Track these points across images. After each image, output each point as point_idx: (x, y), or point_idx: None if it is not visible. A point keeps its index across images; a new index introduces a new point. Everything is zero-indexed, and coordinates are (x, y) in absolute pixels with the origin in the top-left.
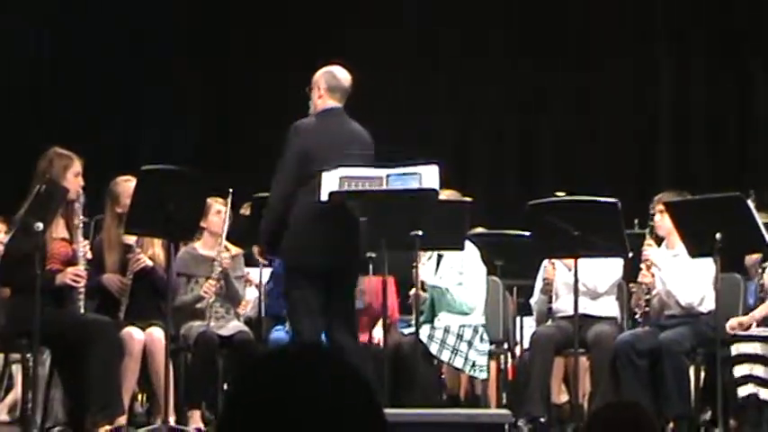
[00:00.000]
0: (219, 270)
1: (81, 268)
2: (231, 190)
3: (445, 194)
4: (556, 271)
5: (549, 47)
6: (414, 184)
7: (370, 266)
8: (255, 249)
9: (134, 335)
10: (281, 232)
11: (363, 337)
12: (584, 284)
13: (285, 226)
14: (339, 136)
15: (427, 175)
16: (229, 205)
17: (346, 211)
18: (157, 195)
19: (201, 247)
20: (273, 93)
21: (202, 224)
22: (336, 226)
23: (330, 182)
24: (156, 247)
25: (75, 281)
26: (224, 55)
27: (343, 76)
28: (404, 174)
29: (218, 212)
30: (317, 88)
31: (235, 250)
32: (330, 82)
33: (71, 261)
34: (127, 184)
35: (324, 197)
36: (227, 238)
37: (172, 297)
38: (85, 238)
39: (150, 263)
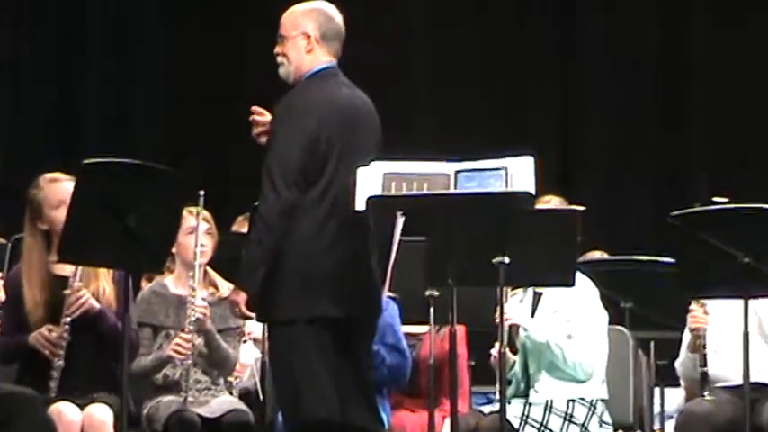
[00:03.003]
0: (195, 318)
1: None
2: (202, 192)
3: (545, 201)
4: (710, 317)
5: None
6: (497, 185)
7: (430, 312)
8: (237, 298)
9: (68, 414)
10: (271, 269)
11: (419, 422)
12: (761, 335)
13: (278, 258)
14: (351, 110)
15: (518, 172)
16: (200, 216)
17: (365, 227)
18: (108, 203)
19: (174, 283)
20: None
21: (173, 248)
22: (358, 254)
23: (369, 181)
24: (105, 282)
25: None
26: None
27: (338, 17)
28: (481, 170)
29: (191, 230)
30: (303, 36)
31: (224, 288)
32: (324, 26)
33: None
34: (55, 187)
35: (359, 205)
36: (213, 268)
37: (129, 357)
38: None
39: (97, 305)
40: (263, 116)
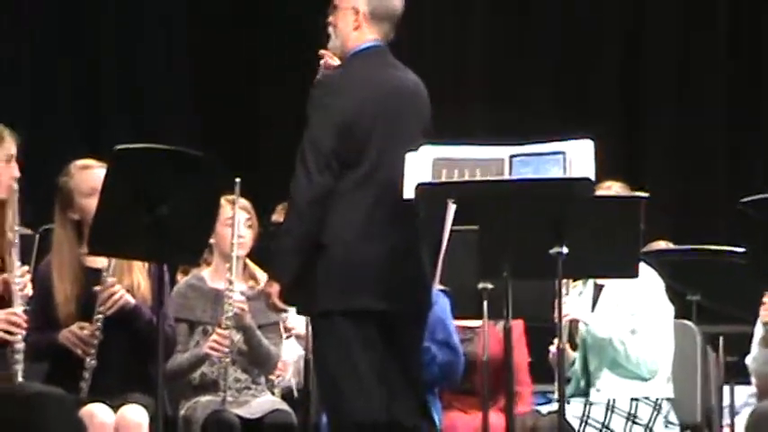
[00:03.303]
0: (232, 313)
1: (18, 311)
2: (238, 180)
3: (605, 186)
4: None
5: None
6: (554, 171)
7: (484, 306)
8: (270, 290)
9: (100, 416)
10: (313, 258)
11: (472, 423)
12: None
13: (319, 247)
14: (395, 92)
15: (577, 156)
16: (237, 205)
17: (414, 216)
18: (141, 191)
19: (211, 276)
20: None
21: (211, 239)
22: (406, 243)
23: (417, 167)
24: (139, 276)
25: (8, 332)
26: None
27: None
28: (537, 154)
29: (230, 221)
30: (352, 11)
31: (264, 280)
32: (375, 3)
33: (1, 300)
34: (87, 174)
35: (407, 192)
36: (253, 260)
37: (165, 356)
38: (24, 262)
39: (132, 300)
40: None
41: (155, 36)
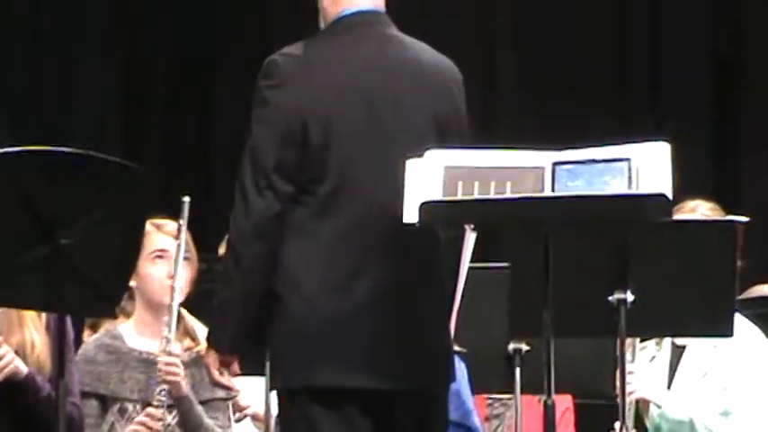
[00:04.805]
0: (164, 388)
1: None
2: (187, 199)
3: (689, 208)
4: None
5: None
6: (615, 184)
7: (516, 374)
8: (210, 359)
9: None
10: (267, 313)
11: None
12: None
13: (273, 296)
14: (377, 72)
15: (647, 165)
16: (182, 233)
17: (416, 253)
18: (32, 212)
19: (133, 332)
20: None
21: (132, 281)
22: (403, 290)
23: (423, 179)
24: (33, 332)
25: None
26: None
27: None
28: (590, 162)
29: (160, 254)
30: None
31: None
32: None
33: None
34: None
35: (408, 215)
36: (189, 310)
37: None
38: None
39: (24, 367)
40: None
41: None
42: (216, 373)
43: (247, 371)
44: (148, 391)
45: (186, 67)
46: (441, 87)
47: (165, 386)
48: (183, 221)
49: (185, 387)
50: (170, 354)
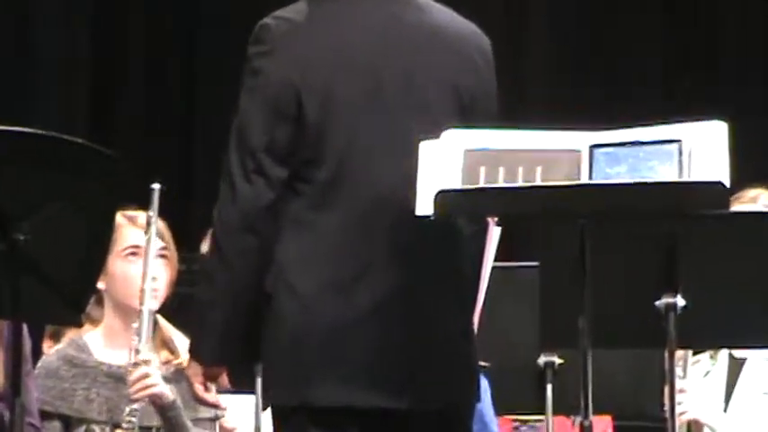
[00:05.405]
0: (134, 408)
1: None
2: (156, 186)
3: (749, 197)
4: None
5: None
6: (664, 170)
7: (548, 391)
8: (193, 372)
9: None
10: (256, 320)
11: None
12: None
13: (264, 298)
14: (382, 37)
15: (701, 148)
16: (152, 228)
17: (432, 248)
18: None
19: (101, 342)
20: None
21: (100, 283)
22: (414, 293)
23: (440, 164)
24: None
25: None
26: None
27: None
28: (634, 144)
29: (134, 251)
30: None
31: (186, 349)
32: None
33: None
34: None
35: (421, 206)
36: (167, 318)
37: None
38: None
39: None
40: None
41: None
42: (200, 389)
43: (236, 386)
44: (118, 411)
45: (166, 35)
46: (463, 57)
47: (135, 405)
48: (154, 212)
49: (169, 392)
50: (141, 363)
